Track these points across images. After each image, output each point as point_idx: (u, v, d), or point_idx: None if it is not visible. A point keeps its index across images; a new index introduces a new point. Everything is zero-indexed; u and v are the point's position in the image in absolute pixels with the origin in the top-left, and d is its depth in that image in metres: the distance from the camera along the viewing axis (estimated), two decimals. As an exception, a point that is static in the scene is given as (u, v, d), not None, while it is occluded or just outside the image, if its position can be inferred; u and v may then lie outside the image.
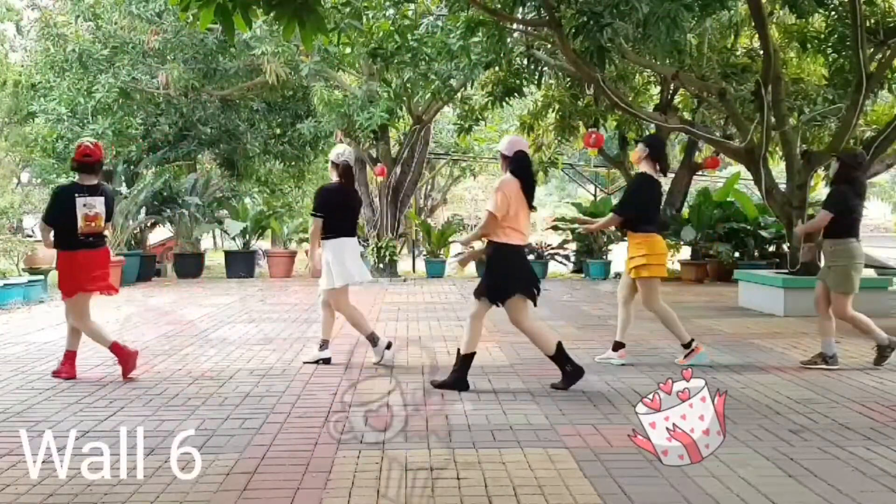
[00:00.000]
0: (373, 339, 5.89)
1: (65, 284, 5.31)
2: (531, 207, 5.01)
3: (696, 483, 3.24)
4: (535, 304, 5.07)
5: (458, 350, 5.08)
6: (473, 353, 5.07)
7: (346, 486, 3.21)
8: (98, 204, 5.33)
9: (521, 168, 5.02)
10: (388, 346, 5.89)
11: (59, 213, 5.32)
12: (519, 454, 3.64)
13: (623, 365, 5.80)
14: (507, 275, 4.97)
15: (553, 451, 3.68)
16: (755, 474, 3.35)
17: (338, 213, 5.86)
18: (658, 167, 5.85)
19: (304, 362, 5.92)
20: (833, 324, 5.70)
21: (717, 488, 3.18)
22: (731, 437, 3.89)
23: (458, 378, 5.02)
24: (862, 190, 5.94)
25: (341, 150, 6.05)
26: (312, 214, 5.89)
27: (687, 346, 5.82)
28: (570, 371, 4.99)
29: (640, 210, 5.79)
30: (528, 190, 4.97)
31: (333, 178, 6.03)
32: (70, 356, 5.43)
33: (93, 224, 5.31)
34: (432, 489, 3.19)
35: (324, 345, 5.97)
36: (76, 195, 5.29)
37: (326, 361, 5.89)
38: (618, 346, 5.97)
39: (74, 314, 5.37)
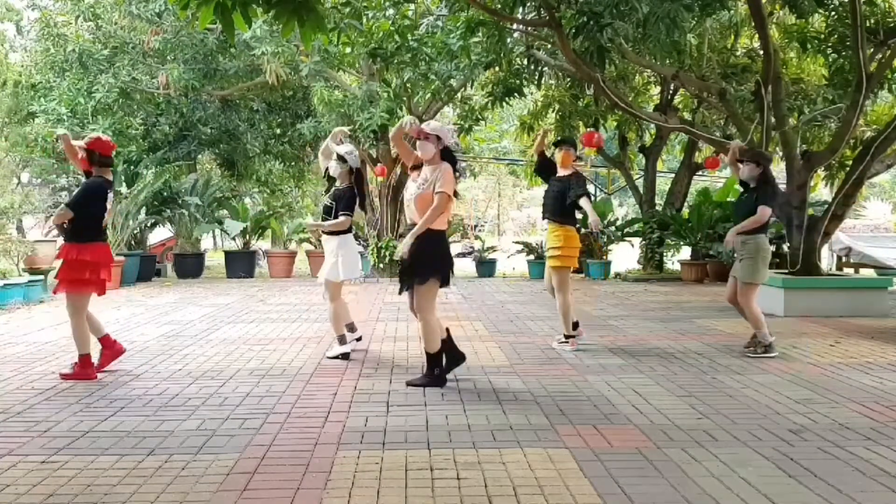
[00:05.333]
0: (342, 339, 6.11)
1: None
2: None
3: (696, 483, 3.24)
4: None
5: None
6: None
7: (346, 486, 3.21)
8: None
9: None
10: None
11: (88, 205, 5.41)
12: (519, 454, 3.63)
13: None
14: None
15: (553, 451, 3.68)
16: (755, 474, 3.35)
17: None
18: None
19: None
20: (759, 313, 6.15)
21: (717, 488, 3.18)
22: (731, 437, 3.90)
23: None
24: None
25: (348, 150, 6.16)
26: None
27: (568, 336, 6.44)
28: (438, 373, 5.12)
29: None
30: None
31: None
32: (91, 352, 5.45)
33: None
34: (432, 489, 3.18)
35: (342, 339, 6.12)
36: (108, 191, 5.52)
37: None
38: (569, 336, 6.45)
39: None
